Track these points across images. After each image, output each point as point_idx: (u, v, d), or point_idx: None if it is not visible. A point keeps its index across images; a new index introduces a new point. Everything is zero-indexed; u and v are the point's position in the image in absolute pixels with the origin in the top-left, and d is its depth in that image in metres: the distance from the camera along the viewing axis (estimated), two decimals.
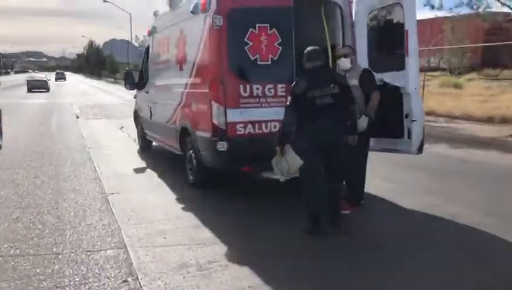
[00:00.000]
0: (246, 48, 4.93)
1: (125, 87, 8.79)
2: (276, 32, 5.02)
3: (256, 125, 5.05)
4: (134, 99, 9.26)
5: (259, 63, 5.01)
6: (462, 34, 25.97)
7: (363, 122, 4.50)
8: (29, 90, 33.38)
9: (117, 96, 27.54)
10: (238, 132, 4.99)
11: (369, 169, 5.01)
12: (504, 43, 17.73)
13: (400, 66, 4.90)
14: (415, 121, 4.83)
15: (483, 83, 21.81)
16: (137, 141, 9.36)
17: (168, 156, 7.45)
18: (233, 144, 4.95)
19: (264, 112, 5.07)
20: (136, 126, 9.17)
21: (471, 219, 4.57)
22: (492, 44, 19.16)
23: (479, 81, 23.24)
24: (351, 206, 4.76)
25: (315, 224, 4.15)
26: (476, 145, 8.68)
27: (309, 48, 4.16)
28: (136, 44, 59.72)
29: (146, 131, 8.28)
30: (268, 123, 5.09)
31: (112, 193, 5.72)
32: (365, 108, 4.59)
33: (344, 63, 4.67)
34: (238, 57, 4.95)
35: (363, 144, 4.66)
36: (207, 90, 5.03)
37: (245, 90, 4.98)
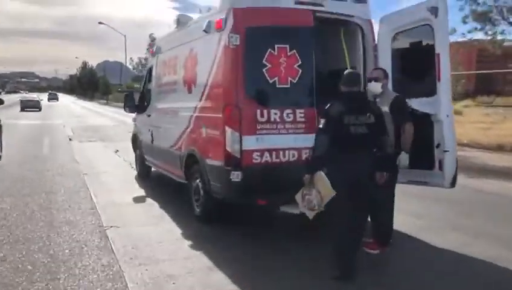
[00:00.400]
0: (263, 69, 4.53)
1: (125, 109, 8.32)
2: (296, 54, 4.65)
3: (274, 153, 4.61)
4: (133, 123, 8.79)
5: (277, 86, 4.61)
6: (456, 60, 26.19)
7: (404, 160, 4.11)
8: (22, 109, 34.53)
9: (110, 118, 27.07)
10: (254, 161, 4.54)
11: None
12: (502, 70, 17.68)
13: (429, 91, 4.53)
14: (448, 151, 4.42)
15: (480, 110, 21.77)
16: (134, 166, 8.86)
17: (169, 185, 6.94)
18: (248, 174, 4.49)
19: (282, 139, 4.64)
20: (135, 151, 8.67)
21: (504, 258, 4.18)
22: (492, 71, 19.16)
23: (474, 108, 23.22)
24: (380, 245, 4.29)
25: (344, 270, 3.70)
26: (491, 175, 8.31)
27: (347, 71, 3.86)
28: (129, 66, 59.69)
29: (146, 156, 7.78)
30: (287, 151, 4.66)
31: (111, 226, 5.18)
32: (394, 138, 4.17)
33: (374, 87, 4.28)
34: (255, 80, 4.56)
35: (393, 178, 4.26)
36: (220, 115, 4.60)
37: (262, 116, 4.56)
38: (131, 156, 9.14)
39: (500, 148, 10.18)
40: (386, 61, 4.94)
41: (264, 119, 4.56)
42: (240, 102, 4.49)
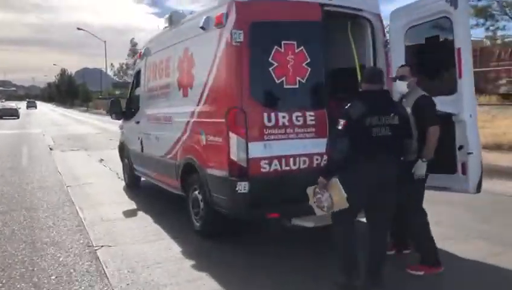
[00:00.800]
0: (270, 69, 4.11)
1: (111, 116, 7.80)
2: (304, 51, 4.24)
3: (283, 161, 4.18)
4: (120, 130, 8.25)
5: (285, 86, 4.19)
6: None
7: (420, 168, 3.71)
8: (0, 117, 36.62)
9: (92, 126, 26.31)
10: (263, 170, 4.10)
11: None
12: (490, 68, 17.62)
13: (449, 89, 4.18)
14: (472, 153, 4.07)
15: None
16: (122, 176, 8.33)
17: (162, 195, 6.46)
18: (256, 184, 4.05)
19: (292, 145, 4.22)
20: (122, 160, 8.13)
21: None
22: (485, 69, 19.00)
23: None
24: (427, 267, 3.85)
25: (351, 277, 3.44)
26: (500, 176, 8.01)
27: (369, 68, 3.51)
28: (110, 73, 58.71)
29: (135, 166, 7.26)
30: (297, 158, 4.23)
31: (102, 246, 4.68)
32: (417, 144, 3.79)
33: (400, 86, 3.91)
34: (261, 80, 4.13)
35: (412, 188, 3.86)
36: (223, 120, 4.15)
37: (269, 120, 4.13)
38: (118, 165, 8.63)
39: (498, 147, 9.97)
40: (399, 59, 4.58)
41: (271, 124, 4.13)
42: (245, 105, 4.05)
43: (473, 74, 4.11)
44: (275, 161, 4.14)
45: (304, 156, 4.25)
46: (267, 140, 4.12)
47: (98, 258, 4.33)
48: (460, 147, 4.13)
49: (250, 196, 4.06)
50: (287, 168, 4.19)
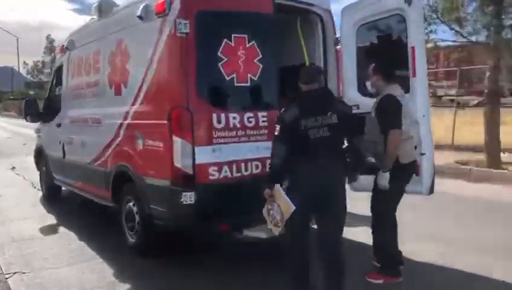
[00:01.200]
0: (219, 64, 3.68)
1: (26, 119, 6.80)
2: (256, 46, 3.88)
3: (234, 166, 3.77)
4: (37, 134, 7.27)
5: (236, 84, 3.79)
6: None
7: (381, 179, 3.52)
8: None
9: (1, 129, 23.69)
10: (211, 177, 3.65)
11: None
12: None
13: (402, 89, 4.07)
14: (425, 154, 3.98)
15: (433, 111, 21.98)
16: (38, 186, 7.35)
17: (88, 208, 5.72)
18: (204, 194, 3.59)
19: (243, 149, 3.82)
20: (39, 168, 7.17)
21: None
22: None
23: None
24: (385, 276, 3.63)
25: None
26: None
27: (305, 68, 3.40)
28: (23, 71, 54.05)
29: (55, 174, 6.39)
30: (249, 163, 3.85)
31: (14, 273, 3.94)
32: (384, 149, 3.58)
33: (369, 86, 3.73)
34: (210, 76, 3.69)
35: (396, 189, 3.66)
36: (165, 121, 3.63)
37: (219, 121, 3.69)
38: (33, 173, 7.63)
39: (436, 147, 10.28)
40: (350, 58, 4.42)
41: (221, 126, 3.70)
42: (191, 104, 3.57)
43: (426, 73, 4.03)
44: (225, 167, 3.71)
45: (257, 161, 3.87)
46: (216, 144, 3.68)
47: (9, 288, 3.58)
48: (414, 148, 4.03)
49: (198, 207, 3.59)
50: (239, 174, 3.78)
